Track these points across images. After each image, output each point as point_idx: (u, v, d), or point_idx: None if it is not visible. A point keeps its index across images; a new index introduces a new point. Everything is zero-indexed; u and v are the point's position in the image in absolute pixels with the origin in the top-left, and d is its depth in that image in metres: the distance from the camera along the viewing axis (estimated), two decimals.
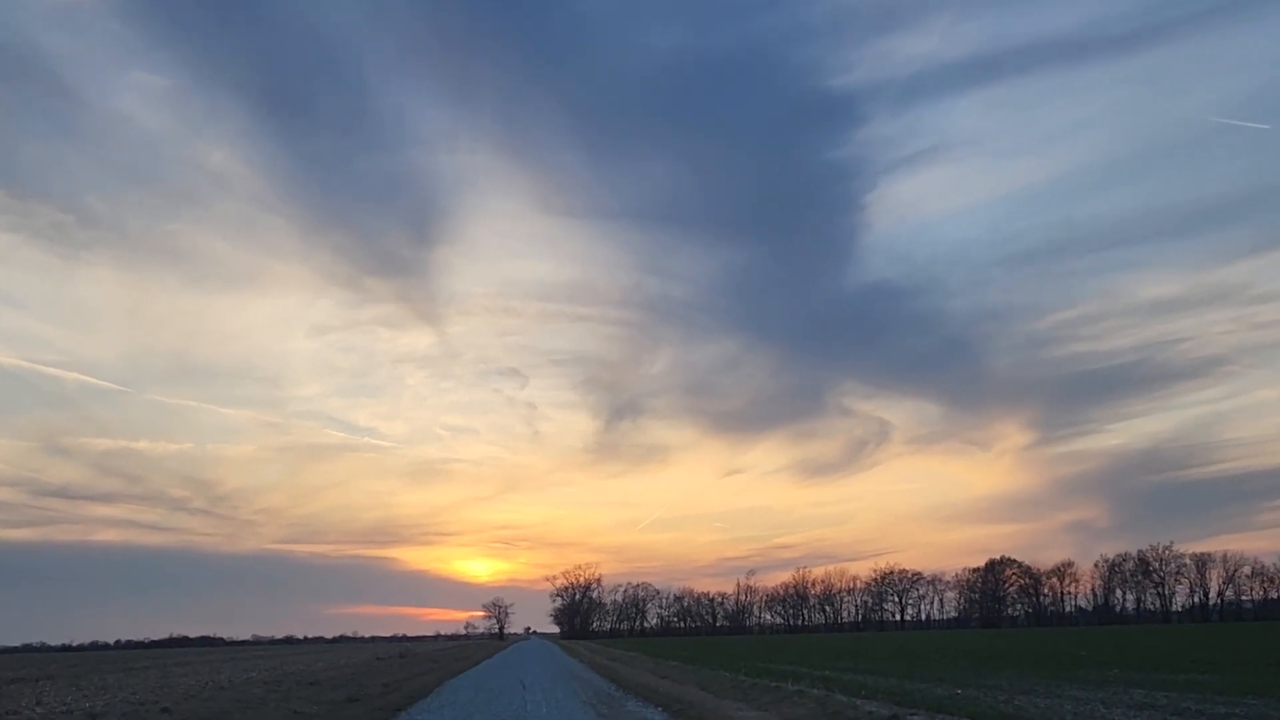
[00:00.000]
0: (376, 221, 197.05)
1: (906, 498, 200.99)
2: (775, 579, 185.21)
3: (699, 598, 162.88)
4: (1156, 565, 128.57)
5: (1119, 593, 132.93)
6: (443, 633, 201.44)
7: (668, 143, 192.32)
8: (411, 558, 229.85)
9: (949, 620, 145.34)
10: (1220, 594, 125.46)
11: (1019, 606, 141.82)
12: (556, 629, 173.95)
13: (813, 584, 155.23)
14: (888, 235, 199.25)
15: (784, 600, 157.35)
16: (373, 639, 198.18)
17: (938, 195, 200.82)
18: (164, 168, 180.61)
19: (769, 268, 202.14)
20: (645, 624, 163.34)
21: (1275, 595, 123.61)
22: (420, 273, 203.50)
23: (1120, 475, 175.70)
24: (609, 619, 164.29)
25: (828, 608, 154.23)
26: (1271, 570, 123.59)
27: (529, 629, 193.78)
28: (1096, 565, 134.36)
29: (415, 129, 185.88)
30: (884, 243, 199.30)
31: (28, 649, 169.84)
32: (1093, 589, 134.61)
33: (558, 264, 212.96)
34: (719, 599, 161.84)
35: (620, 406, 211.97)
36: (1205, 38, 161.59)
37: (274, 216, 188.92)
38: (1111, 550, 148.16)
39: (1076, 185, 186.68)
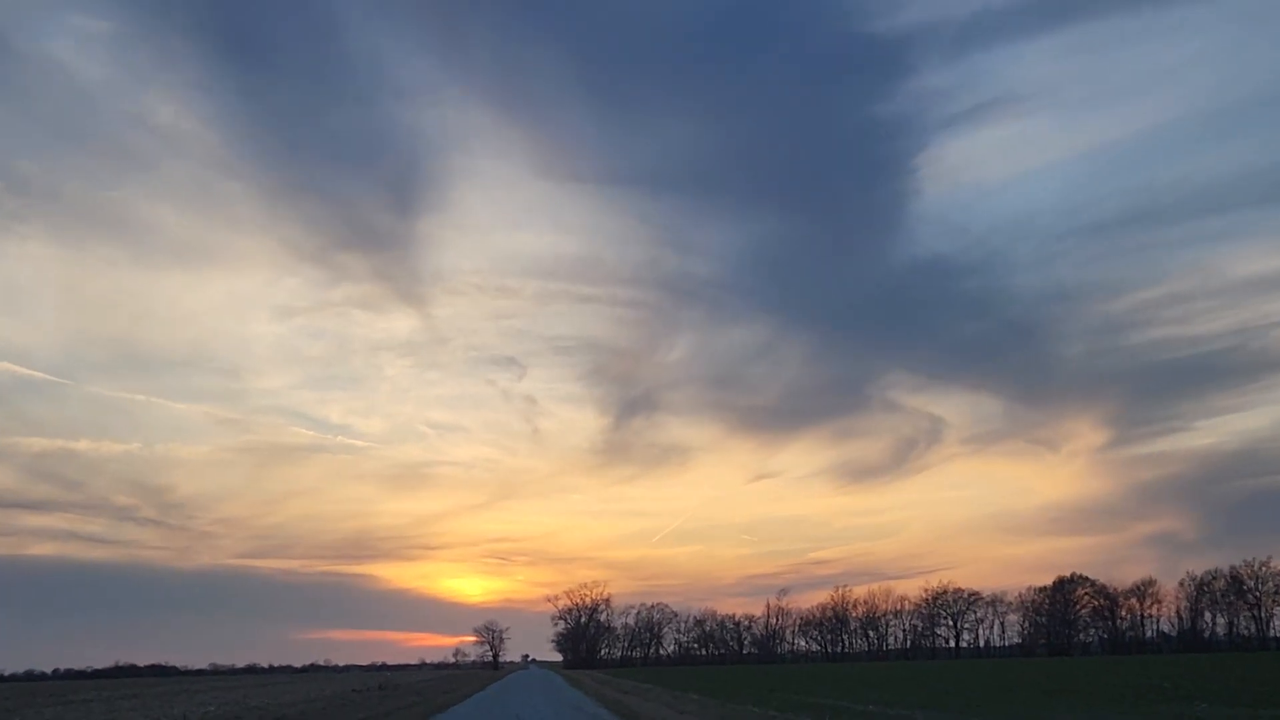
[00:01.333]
0: (351, 187, 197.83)
1: (962, 506, 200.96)
2: (811, 599, 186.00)
3: (723, 621, 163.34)
4: (1252, 584, 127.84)
5: (1208, 615, 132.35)
6: (428, 661, 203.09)
7: (688, 96, 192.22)
8: (392, 575, 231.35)
9: (1011, 647, 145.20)
10: None
11: (1092, 631, 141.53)
12: (559, 657, 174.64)
13: (854, 605, 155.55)
14: (941, 203, 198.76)
15: (821, 624, 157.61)
16: (348, 668, 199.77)
17: (1000, 156, 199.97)
18: (105, 125, 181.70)
19: (804, 240, 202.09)
20: (661, 651, 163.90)
21: None
22: (402, 246, 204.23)
23: (1211, 480, 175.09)
24: (619, 645, 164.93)
25: (871, 632, 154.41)
26: None
27: (527, 657, 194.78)
28: (1182, 584, 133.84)
29: (396, 79, 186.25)
30: (937, 211, 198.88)
31: None
32: (1178, 611, 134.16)
33: (561, 236, 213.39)
34: (746, 622, 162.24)
35: (633, 401, 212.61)
36: None
37: (232, 181, 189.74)
38: (1200, 567, 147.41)
39: (1163, 143, 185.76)
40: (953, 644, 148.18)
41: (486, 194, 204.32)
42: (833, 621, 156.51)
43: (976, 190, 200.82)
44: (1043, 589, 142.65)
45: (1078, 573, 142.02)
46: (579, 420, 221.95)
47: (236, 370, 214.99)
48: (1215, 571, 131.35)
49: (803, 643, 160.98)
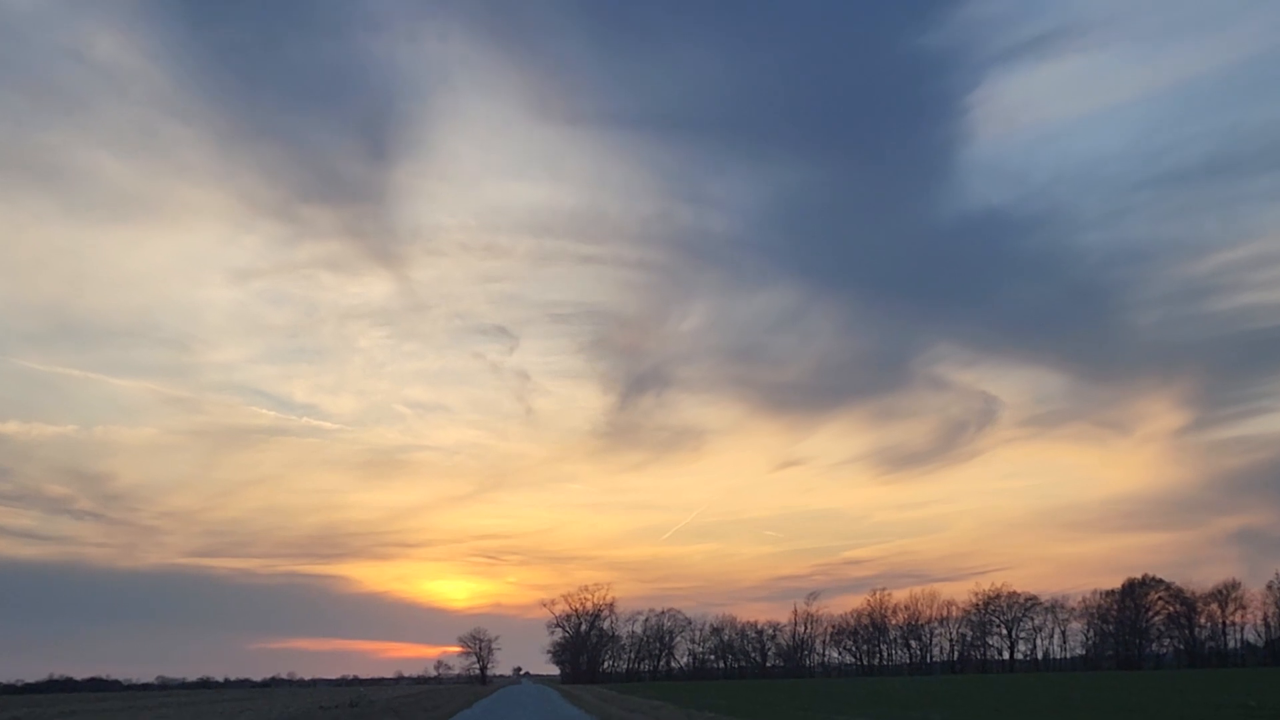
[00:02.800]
0: (317, 131, 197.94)
1: (1018, 497, 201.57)
2: (844, 604, 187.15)
3: (743, 629, 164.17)
4: None
5: None
6: (406, 674, 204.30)
7: (707, 24, 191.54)
8: (365, 576, 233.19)
9: (1074, 659, 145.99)
10: None
11: (1167, 641, 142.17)
12: (555, 670, 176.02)
13: (894, 611, 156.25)
14: (996, 149, 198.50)
15: (855, 632, 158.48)
16: (314, 682, 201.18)
17: (1064, 95, 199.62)
18: (35, 59, 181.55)
19: (838, 192, 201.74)
20: (673, 663, 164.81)
21: None
22: (375, 199, 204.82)
23: None
24: (625, 657, 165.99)
25: (913, 642, 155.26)
26: None
27: (520, 670, 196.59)
28: (1270, 587, 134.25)
29: (368, 6, 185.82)
30: (991, 159, 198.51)
31: None
32: (1265, 618, 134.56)
33: (558, 187, 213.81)
34: (770, 630, 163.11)
35: (641, 376, 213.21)
36: None
37: (181, 125, 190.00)
38: None
39: (1253, 80, 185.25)
40: (1006, 655, 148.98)
41: (473, 138, 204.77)
42: (869, 630, 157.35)
43: (1037, 134, 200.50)
44: (1110, 593, 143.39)
45: (1150, 574, 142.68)
46: (579, 399, 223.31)
47: (186, 341, 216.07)
48: None
49: (835, 654, 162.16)
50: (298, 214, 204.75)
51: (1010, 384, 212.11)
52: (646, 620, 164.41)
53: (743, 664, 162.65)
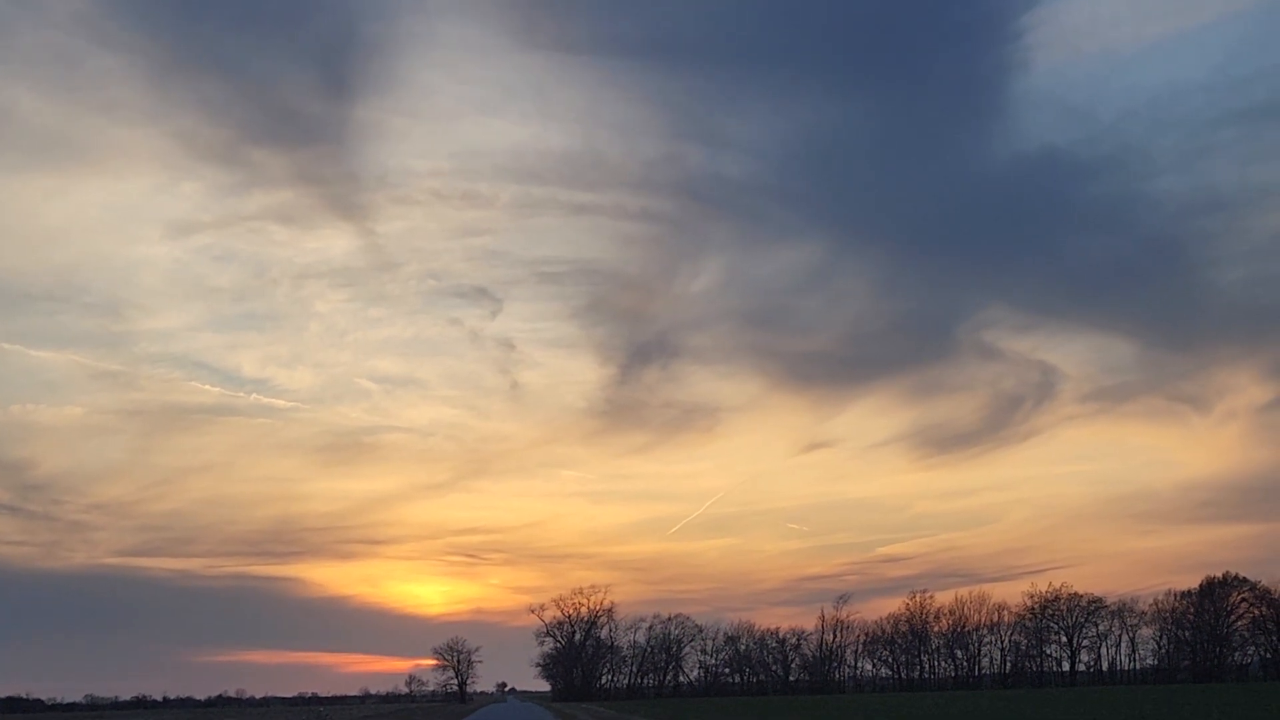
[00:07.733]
0: (267, 61, 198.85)
1: (1081, 484, 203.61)
2: (879, 608, 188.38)
3: (763, 637, 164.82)
4: None
5: None
6: (373, 691, 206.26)
7: None
8: (325, 578, 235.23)
9: (1144, 671, 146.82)
10: None
11: (1252, 649, 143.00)
12: (546, 686, 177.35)
13: (937, 616, 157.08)
14: (1057, 78, 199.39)
15: (892, 641, 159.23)
16: (266, 701, 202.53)
17: (1135, 14, 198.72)
18: None
19: (873, 132, 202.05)
20: (681, 677, 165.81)
21: None
22: (335, 139, 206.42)
23: None
24: (626, 670, 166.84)
25: (959, 652, 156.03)
26: None
27: (505, 686, 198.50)
28: None
29: None
30: (1051, 90, 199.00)
31: None
32: None
33: (547, 125, 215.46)
34: (793, 639, 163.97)
35: (644, 346, 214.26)
36: None
37: (109, 53, 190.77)
38: None
39: None
40: (1066, 667, 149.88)
41: (448, 69, 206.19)
42: (908, 638, 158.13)
43: (1104, 62, 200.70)
44: (1186, 594, 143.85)
45: (1233, 572, 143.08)
46: (572, 372, 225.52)
47: (117, 306, 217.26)
48: None
49: (868, 666, 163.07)
50: (245, 158, 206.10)
51: (1072, 353, 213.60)
52: (651, 628, 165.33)
53: (762, 678, 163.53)
